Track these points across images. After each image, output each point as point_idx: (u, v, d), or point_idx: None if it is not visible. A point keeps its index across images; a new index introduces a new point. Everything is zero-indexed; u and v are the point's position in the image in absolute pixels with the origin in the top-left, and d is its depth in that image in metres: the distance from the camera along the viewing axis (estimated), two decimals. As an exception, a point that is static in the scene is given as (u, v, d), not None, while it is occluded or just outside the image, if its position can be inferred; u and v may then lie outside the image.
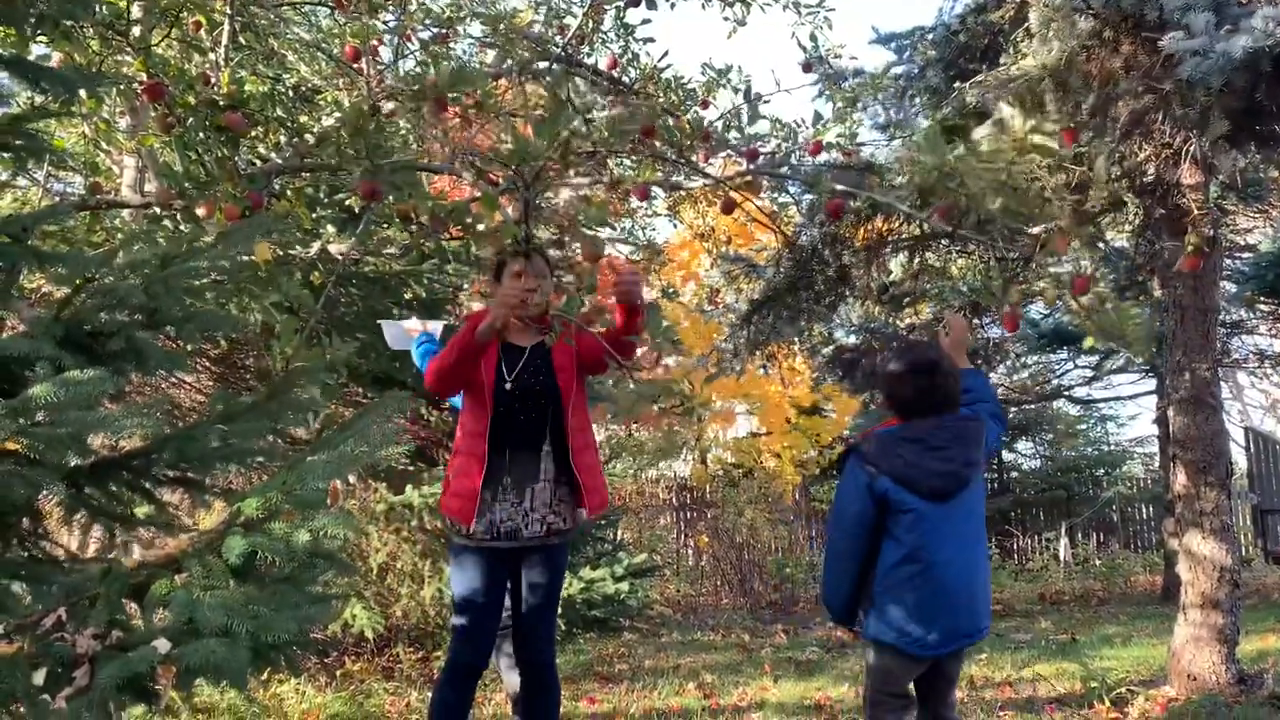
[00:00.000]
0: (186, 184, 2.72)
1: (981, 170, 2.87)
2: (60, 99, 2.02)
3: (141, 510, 2.11)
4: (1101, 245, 4.99)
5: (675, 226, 10.94)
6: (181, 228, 2.84)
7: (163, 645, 1.51)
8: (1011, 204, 2.95)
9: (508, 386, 3.03)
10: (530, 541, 3.03)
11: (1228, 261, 9.94)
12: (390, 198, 2.96)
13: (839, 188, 3.19)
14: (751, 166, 3.52)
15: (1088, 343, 3.17)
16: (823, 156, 3.65)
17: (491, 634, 3.10)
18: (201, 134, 2.76)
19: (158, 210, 2.86)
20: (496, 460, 3.01)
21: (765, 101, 3.73)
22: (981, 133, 3.05)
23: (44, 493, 1.90)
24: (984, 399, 3.24)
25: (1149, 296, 5.89)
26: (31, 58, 2.74)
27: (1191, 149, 4.68)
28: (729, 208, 3.68)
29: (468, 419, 3.07)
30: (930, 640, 2.82)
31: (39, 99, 2.32)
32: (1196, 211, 4.77)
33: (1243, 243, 10.52)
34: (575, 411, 3.09)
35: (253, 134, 3.42)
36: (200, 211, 2.57)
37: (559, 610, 3.38)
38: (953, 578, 2.82)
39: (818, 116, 3.84)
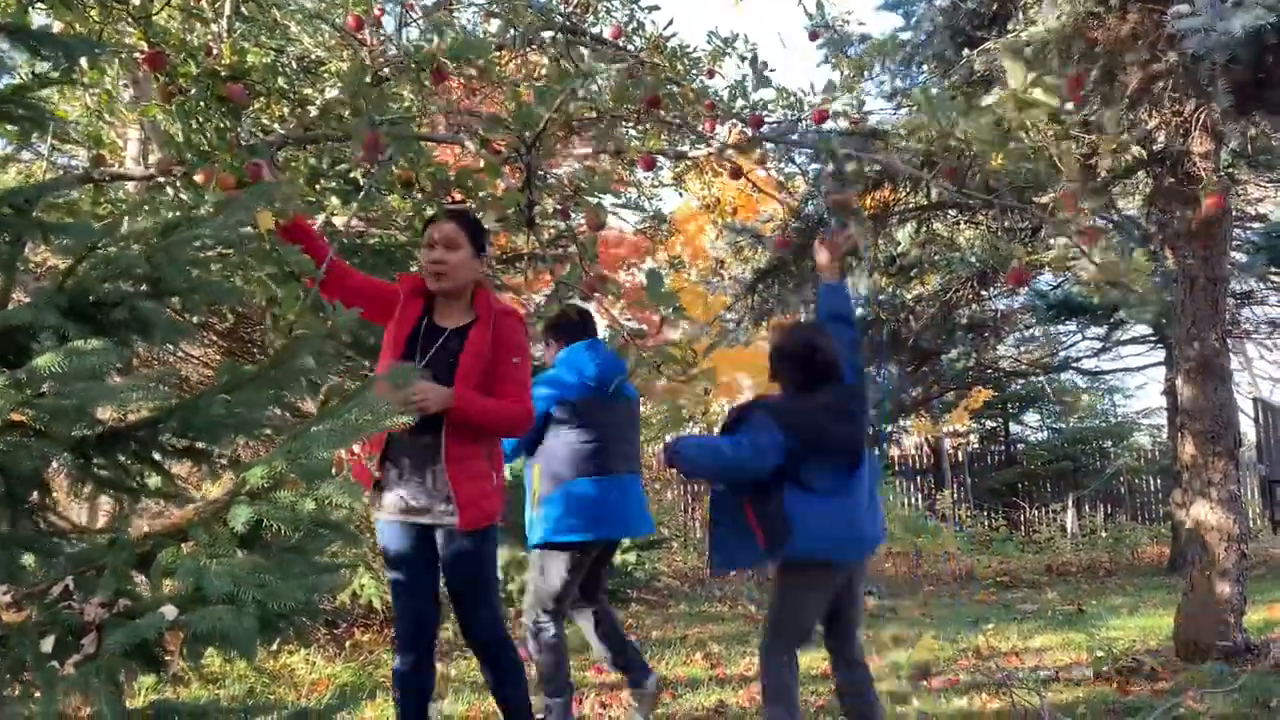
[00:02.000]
0: (188, 153, 2.71)
1: (985, 127, 2.84)
2: (62, 67, 2.01)
3: (151, 481, 2.12)
4: (1113, 214, 4.95)
5: (681, 196, 10.88)
6: (183, 196, 2.82)
7: (170, 612, 1.51)
8: (1012, 160, 2.93)
9: (419, 369, 2.94)
10: (442, 521, 2.96)
11: (1238, 231, 9.86)
12: (392, 159, 2.94)
13: (847, 152, 3.16)
14: (757, 133, 3.49)
15: (1084, 274, 3.18)
16: (829, 125, 3.61)
17: (426, 600, 3.06)
18: (203, 104, 2.73)
19: (160, 180, 2.84)
20: (397, 439, 2.95)
21: (772, 70, 3.69)
22: (989, 100, 3.02)
23: (52, 464, 1.91)
24: (837, 314, 3.42)
25: (1160, 265, 5.85)
26: (33, 27, 2.72)
27: (1201, 117, 4.64)
28: (736, 174, 3.65)
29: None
30: (853, 544, 3.15)
31: (41, 68, 2.30)
32: (1211, 181, 4.74)
33: (1253, 212, 10.44)
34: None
35: (255, 105, 3.39)
36: (199, 178, 2.55)
37: (498, 596, 3.26)
38: (856, 502, 3.15)
39: (830, 86, 3.80)
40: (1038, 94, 2.82)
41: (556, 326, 4.01)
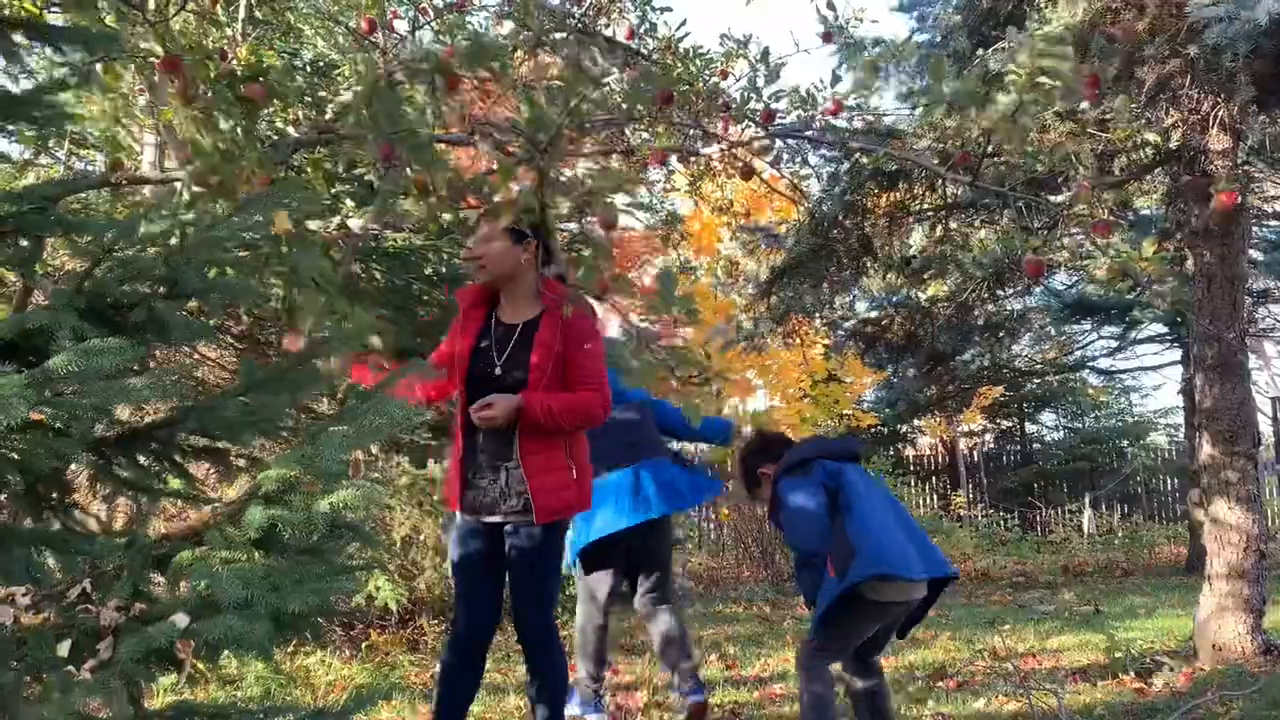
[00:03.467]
0: (217, 159, 2.71)
1: (1000, 114, 2.84)
2: (81, 67, 2.02)
3: (171, 482, 2.13)
4: (1129, 213, 4.93)
5: (695, 204, 10.87)
6: (204, 204, 2.83)
7: (181, 620, 1.51)
8: (1023, 143, 2.92)
9: (496, 372, 2.97)
10: (510, 518, 2.96)
11: (1255, 229, 9.79)
12: (407, 166, 2.95)
13: (861, 147, 3.16)
14: (770, 129, 3.49)
15: (1099, 271, 3.19)
16: (842, 121, 3.61)
17: (485, 606, 3.06)
18: (223, 105, 2.75)
19: (185, 190, 2.85)
20: (470, 439, 2.98)
21: (783, 65, 3.69)
22: (1003, 65, 3.03)
23: (71, 464, 1.92)
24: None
25: (1177, 264, 5.81)
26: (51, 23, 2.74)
27: (1219, 114, 4.61)
28: (748, 174, 3.65)
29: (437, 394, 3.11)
30: (913, 563, 3.13)
31: (59, 71, 2.32)
32: (1226, 178, 4.70)
33: (1271, 210, 10.36)
34: (527, 394, 2.94)
35: (271, 108, 3.40)
36: (233, 186, 2.57)
37: (561, 586, 3.28)
38: (902, 531, 3.20)
39: (835, 78, 3.79)
40: (1047, 63, 2.81)
41: None
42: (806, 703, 3.21)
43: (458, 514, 3.04)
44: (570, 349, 3.00)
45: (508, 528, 2.98)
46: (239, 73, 2.77)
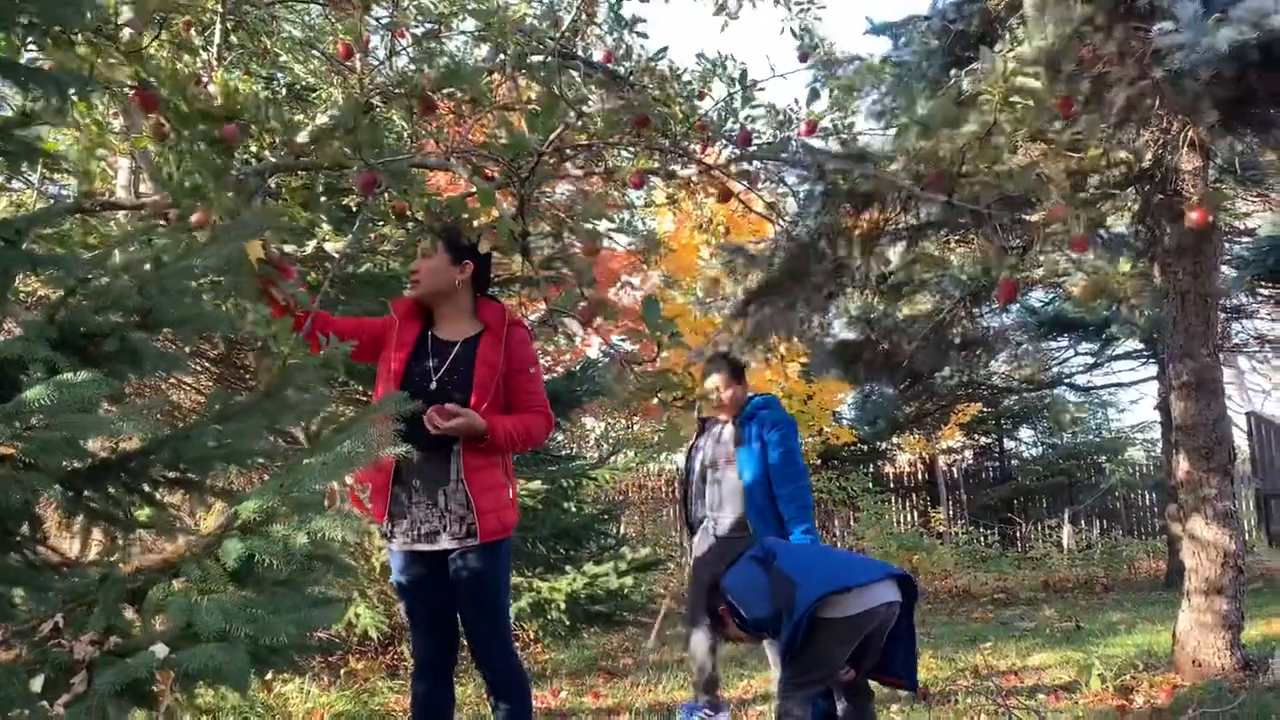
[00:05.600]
0: (180, 195, 2.69)
1: (976, 127, 2.87)
2: (53, 102, 2.01)
3: (142, 513, 2.10)
4: (1102, 232, 4.98)
5: (673, 217, 10.89)
6: (173, 235, 2.81)
7: (160, 650, 1.49)
8: (990, 160, 2.95)
9: (431, 387, 2.95)
10: (453, 543, 2.93)
11: (1227, 246, 9.92)
12: (387, 193, 2.94)
13: (836, 168, 3.18)
14: (746, 150, 3.50)
15: (1075, 289, 3.26)
16: (818, 141, 3.63)
17: (441, 629, 3.03)
18: (197, 145, 2.73)
19: (151, 219, 2.84)
20: (405, 465, 2.89)
21: (760, 88, 3.71)
22: (976, 85, 3.07)
23: (42, 497, 1.89)
24: None
25: (1150, 283, 5.87)
26: (22, 62, 2.72)
27: (1189, 134, 4.67)
28: (725, 197, 3.66)
29: None
30: (858, 571, 3.31)
31: (31, 104, 2.30)
32: (1198, 195, 4.76)
33: (1242, 227, 10.50)
34: (486, 416, 2.92)
35: (244, 144, 3.39)
36: (195, 219, 2.55)
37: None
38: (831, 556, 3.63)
39: (813, 95, 3.81)
40: (1020, 80, 2.84)
41: None
42: None
43: (392, 543, 2.99)
44: (514, 370, 3.03)
45: (454, 554, 2.95)
46: (214, 112, 2.75)
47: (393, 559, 3.06)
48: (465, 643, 3.11)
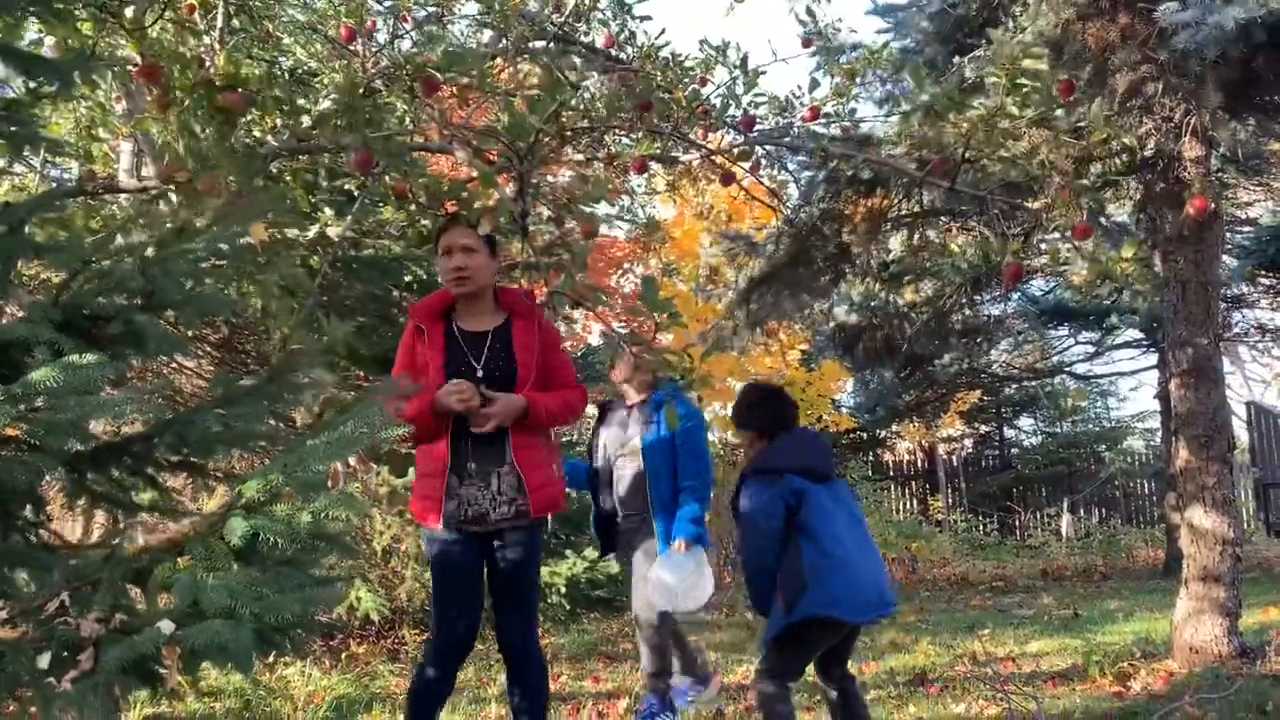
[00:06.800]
0: (190, 161, 2.69)
1: (982, 111, 2.87)
2: (54, 87, 2.00)
3: (145, 495, 2.11)
4: (1104, 220, 4.97)
5: (676, 207, 10.88)
6: (181, 205, 2.81)
7: (167, 627, 1.50)
8: (994, 146, 2.95)
9: (479, 375, 2.97)
10: (499, 525, 2.97)
11: (1228, 235, 9.91)
12: (385, 174, 2.94)
13: (840, 153, 3.18)
14: (750, 136, 3.50)
15: (1076, 277, 3.26)
16: (820, 128, 3.62)
17: (465, 616, 3.02)
18: (200, 113, 2.73)
19: (154, 191, 2.83)
20: (458, 445, 2.96)
21: (762, 73, 3.70)
22: (985, 71, 3.06)
23: (46, 479, 1.90)
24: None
25: (1151, 271, 5.87)
26: (25, 42, 2.72)
27: (1192, 121, 4.66)
28: (727, 180, 3.66)
29: (426, 407, 2.95)
30: (860, 604, 3.16)
31: (33, 87, 2.30)
32: (1198, 184, 4.75)
33: (1243, 216, 10.49)
34: (528, 395, 3.00)
35: (249, 117, 3.39)
36: (202, 186, 2.55)
37: (541, 595, 3.27)
38: (859, 562, 3.19)
39: (814, 83, 3.80)
40: (1027, 63, 2.84)
41: None
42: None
43: (437, 527, 2.99)
44: (547, 352, 3.10)
45: (501, 531, 2.99)
46: (217, 82, 2.75)
47: (432, 540, 3.05)
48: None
